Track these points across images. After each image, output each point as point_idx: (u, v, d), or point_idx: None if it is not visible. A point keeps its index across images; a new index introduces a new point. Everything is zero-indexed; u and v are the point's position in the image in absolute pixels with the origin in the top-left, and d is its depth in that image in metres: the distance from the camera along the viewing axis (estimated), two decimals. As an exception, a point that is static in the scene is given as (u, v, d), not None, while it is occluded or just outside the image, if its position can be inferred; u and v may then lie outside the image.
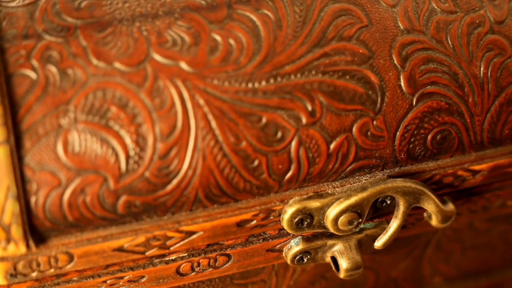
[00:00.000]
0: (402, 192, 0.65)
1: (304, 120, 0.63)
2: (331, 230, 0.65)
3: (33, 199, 0.59)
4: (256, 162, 0.62)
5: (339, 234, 0.65)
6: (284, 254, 0.71)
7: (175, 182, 0.61)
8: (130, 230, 0.61)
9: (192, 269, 0.69)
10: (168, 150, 0.60)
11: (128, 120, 0.60)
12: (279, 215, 0.64)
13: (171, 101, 0.60)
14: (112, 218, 0.61)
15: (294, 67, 0.63)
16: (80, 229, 0.61)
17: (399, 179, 0.65)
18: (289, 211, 0.64)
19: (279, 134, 0.62)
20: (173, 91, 0.60)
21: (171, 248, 0.64)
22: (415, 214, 0.73)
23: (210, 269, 0.69)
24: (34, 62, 0.59)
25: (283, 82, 0.62)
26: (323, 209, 0.64)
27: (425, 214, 0.68)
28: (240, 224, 0.64)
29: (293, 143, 0.63)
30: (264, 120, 0.62)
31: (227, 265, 0.69)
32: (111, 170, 0.60)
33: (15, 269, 0.60)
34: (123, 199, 0.60)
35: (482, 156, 0.67)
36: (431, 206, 0.66)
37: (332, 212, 0.64)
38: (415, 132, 0.65)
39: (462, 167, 0.67)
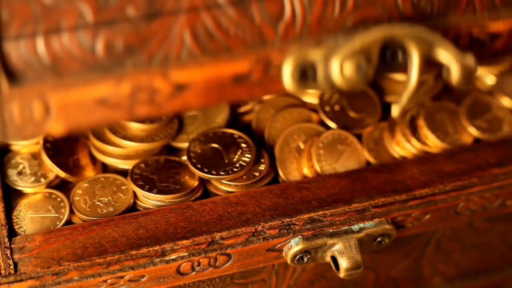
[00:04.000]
0: (412, 37, 0.58)
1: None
2: (338, 82, 0.58)
3: (4, 31, 0.54)
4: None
5: (347, 87, 0.58)
6: (284, 254, 0.71)
7: (159, 18, 0.56)
8: (112, 77, 0.56)
9: (193, 269, 0.69)
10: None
11: None
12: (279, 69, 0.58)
13: None
14: (92, 62, 0.55)
15: None
16: (57, 73, 0.55)
17: (408, 24, 0.59)
18: (290, 61, 0.58)
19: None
20: None
21: (163, 109, 0.57)
22: (415, 213, 0.71)
23: (211, 269, 0.69)
24: None
25: None
26: (327, 58, 0.58)
27: (443, 74, 0.61)
28: (237, 80, 0.58)
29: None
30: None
31: (227, 264, 0.70)
32: (89, 0, 0.55)
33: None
34: (103, 36, 0.55)
35: (496, 17, 0.62)
36: (447, 56, 0.59)
37: (336, 59, 0.57)
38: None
39: (476, 25, 0.61)
